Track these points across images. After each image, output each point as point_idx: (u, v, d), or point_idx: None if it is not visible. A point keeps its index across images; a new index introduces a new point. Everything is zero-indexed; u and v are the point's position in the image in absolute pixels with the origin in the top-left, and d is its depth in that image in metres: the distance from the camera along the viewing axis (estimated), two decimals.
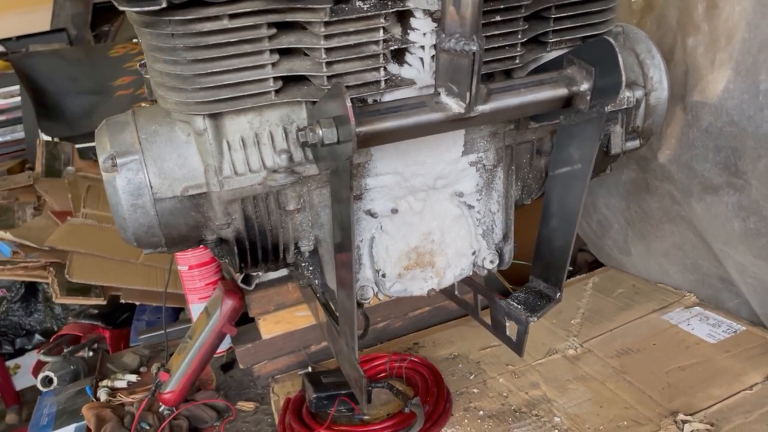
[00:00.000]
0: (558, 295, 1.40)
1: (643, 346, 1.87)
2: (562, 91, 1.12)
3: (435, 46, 1.13)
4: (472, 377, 1.90)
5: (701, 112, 1.56)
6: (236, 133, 1.19)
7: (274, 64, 1.11)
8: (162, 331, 2.39)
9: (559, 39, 1.29)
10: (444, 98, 1.05)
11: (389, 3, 1.10)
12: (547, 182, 1.33)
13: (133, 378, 2.23)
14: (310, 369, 2.12)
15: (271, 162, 1.20)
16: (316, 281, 1.44)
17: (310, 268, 1.43)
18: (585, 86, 1.12)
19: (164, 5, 0.96)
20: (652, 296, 2.12)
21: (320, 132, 1.01)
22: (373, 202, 1.33)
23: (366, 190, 1.31)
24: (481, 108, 1.07)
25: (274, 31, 1.08)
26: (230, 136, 1.18)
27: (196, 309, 2.34)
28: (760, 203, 1.53)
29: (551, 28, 1.27)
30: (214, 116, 1.15)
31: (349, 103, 0.95)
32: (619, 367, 1.80)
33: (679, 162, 1.68)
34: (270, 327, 2.12)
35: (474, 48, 0.98)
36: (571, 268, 2.62)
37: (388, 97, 1.22)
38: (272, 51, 1.10)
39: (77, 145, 3.84)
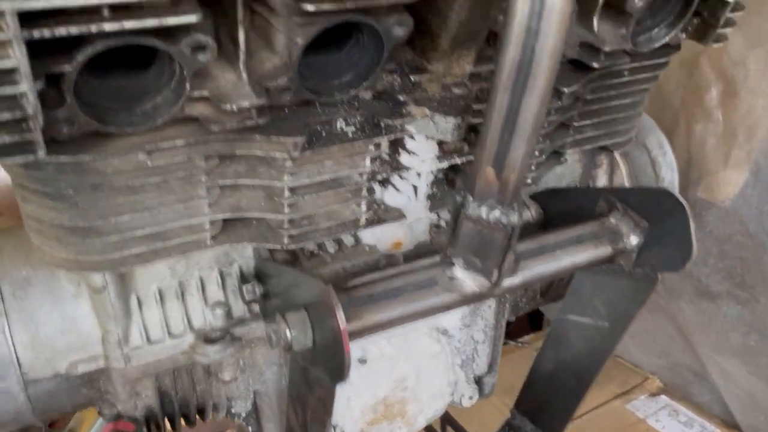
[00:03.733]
0: None
1: None
2: (605, 250, 0.85)
3: (441, 180, 0.83)
4: None
5: (707, 212, 1.34)
6: (151, 283, 0.83)
7: (212, 204, 0.76)
8: None
9: (576, 149, 1.02)
10: (460, 272, 0.75)
11: (382, 125, 0.77)
12: (556, 321, 1.07)
13: None
14: None
15: (201, 320, 0.86)
16: (250, 428, 1.12)
17: (242, 414, 1.10)
18: (632, 242, 0.85)
19: (42, 156, 0.58)
20: (612, 374, 1.94)
21: (288, 333, 0.68)
22: None
23: None
24: (509, 282, 0.78)
25: (215, 162, 0.73)
26: (142, 290, 0.83)
27: None
28: (766, 322, 1.35)
29: (571, 139, 0.99)
30: None
31: (342, 321, 0.62)
32: None
33: None
34: None
35: (515, 220, 0.69)
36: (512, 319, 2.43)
37: (368, 235, 0.91)
38: (211, 186, 0.75)
39: None
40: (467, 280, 0.75)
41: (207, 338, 0.84)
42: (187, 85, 0.63)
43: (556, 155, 1.02)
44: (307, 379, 0.77)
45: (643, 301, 0.89)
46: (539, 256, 0.81)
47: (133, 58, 0.62)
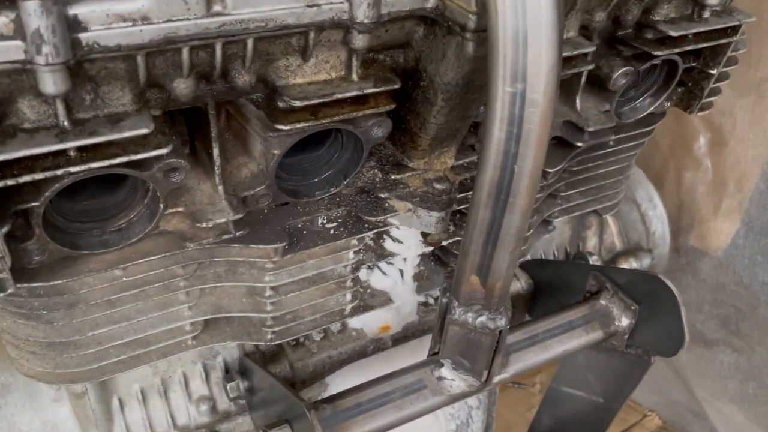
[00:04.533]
0: None
1: None
2: (596, 335, 0.83)
3: (428, 258, 0.81)
4: None
5: (700, 261, 1.33)
6: (133, 384, 0.81)
7: (192, 306, 0.74)
8: None
9: (564, 216, 1.01)
10: (448, 373, 0.73)
11: (366, 224, 0.76)
12: (550, 390, 1.05)
13: None
14: None
15: (186, 418, 0.84)
16: None
17: None
18: (623, 323, 0.84)
19: (11, 291, 0.57)
20: None
21: None
22: None
23: None
24: (499, 378, 0.76)
25: (194, 267, 0.71)
26: (123, 390, 0.81)
27: None
28: (763, 371, 1.33)
29: (559, 208, 0.98)
30: None
31: None
32: None
33: None
34: None
35: (501, 325, 0.67)
36: None
37: (354, 320, 0.89)
38: (191, 291, 0.73)
39: None
40: (456, 380, 0.73)
41: None
42: (161, 205, 0.61)
43: (545, 223, 1.00)
44: None
45: (637, 382, 0.87)
46: (530, 347, 0.79)
47: (104, 177, 0.61)
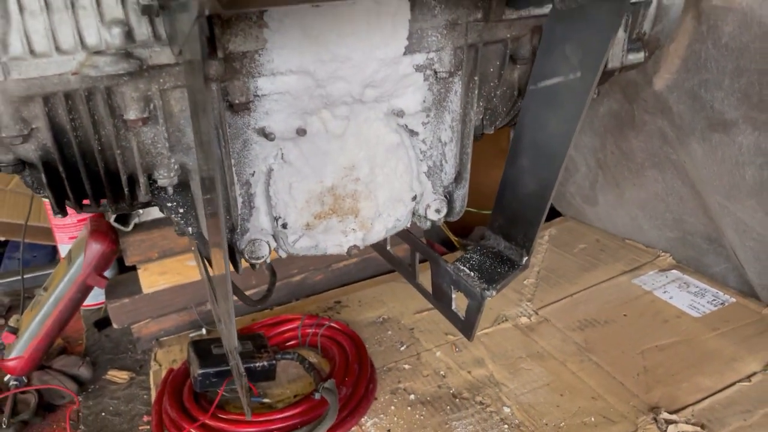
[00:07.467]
0: (525, 260, 1.02)
1: (611, 316, 1.53)
2: None
3: None
4: (403, 348, 1.54)
5: (722, 20, 1.17)
6: None
7: None
8: (19, 277, 1.92)
9: None
10: None
11: None
12: (523, 101, 0.93)
13: None
14: (204, 331, 1.71)
15: (96, 39, 0.74)
16: (189, 229, 1.01)
17: (180, 211, 0.99)
18: None
19: None
20: (620, 255, 1.79)
21: None
22: (269, 117, 0.89)
23: (258, 98, 0.86)
24: None
25: None
26: None
27: (66, 250, 1.87)
28: None
29: None
30: None
31: None
32: (582, 342, 1.46)
33: (682, 89, 1.31)
34: (153, 278, 1.68)
35: None
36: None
37: None
38: None
39: None
40: None
41: (99, 52, 0.73)
42: None
43: None
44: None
45: (619, 21, 0.74)
46: None
47: None
